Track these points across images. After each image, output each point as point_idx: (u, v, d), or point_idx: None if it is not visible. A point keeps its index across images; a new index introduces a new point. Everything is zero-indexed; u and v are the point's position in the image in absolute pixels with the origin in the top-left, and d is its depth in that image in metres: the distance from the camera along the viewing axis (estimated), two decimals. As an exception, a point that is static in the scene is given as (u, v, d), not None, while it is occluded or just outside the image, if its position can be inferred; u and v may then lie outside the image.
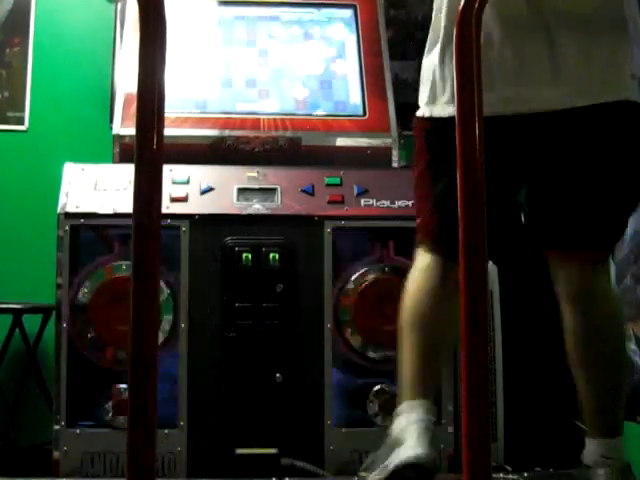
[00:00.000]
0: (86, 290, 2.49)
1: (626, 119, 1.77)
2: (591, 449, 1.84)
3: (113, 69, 3.53)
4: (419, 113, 1.94)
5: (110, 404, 2.45)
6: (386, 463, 1.74)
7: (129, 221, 1.11)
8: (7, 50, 3.65)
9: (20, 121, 3.62)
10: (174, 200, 2.54)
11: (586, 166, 1.78)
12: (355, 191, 2.63)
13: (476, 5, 1.12)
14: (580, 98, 1.74)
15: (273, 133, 2.82)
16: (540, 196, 1.89)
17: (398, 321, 1.98)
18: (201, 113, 2.87)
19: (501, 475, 2.16)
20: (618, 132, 1.77)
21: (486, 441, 1.10)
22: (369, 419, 2.54)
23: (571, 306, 1.85)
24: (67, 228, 2.50)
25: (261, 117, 2.85)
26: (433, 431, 1.79)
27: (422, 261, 1.94)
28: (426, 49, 1.94)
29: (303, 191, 2.63)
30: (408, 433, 1.76)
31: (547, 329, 2.27)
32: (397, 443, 1.76)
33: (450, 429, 2.52)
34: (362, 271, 2.57)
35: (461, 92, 1.15)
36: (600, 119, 1.75)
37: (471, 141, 1.12)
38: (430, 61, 1.91)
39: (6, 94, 3.63)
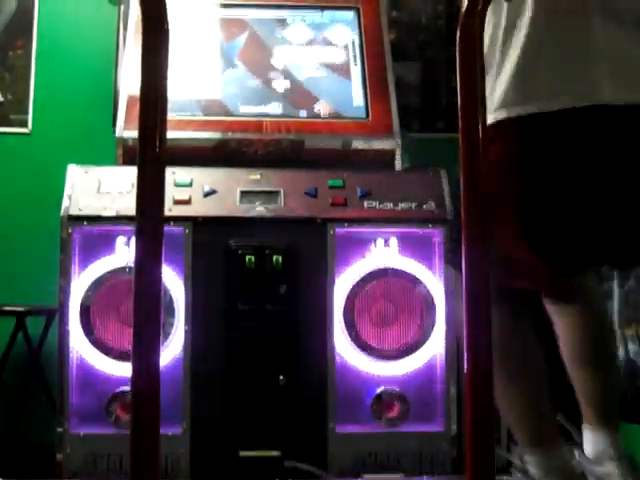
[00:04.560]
0: (89, 292, 2.50)
1: None
2: (599, 442, 1.85)
3: (116, 72, 3.53)
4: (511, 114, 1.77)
5: (113, 406, 2.45)
6: None
7: (132, 224, 1.11)
8: (10, 53, 3.65)
9: (23, 124, 3.62)
10: (177, 202, 2.54)
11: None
12: (358, 193, 2.63)
13: (479, 7, 1.13)
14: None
15: (276, 135, 2.82)
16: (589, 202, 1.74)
17: None
18: (204, 115, 2.87)
19: (504, 477, 2.15)
20: None
21: (490, 443, 1.10)
22: (372, 422, 2.54)
23: (570, 308, 1.86)
24: (70, 230, 2.51)
25: (264, 119, 2.85)
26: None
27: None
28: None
29: (306, 193, 2.63)
30: None
31: (546, 329, 2.27)
32: None
33: (453, 431, 2.53)
34: (365, 273, 2.57)
35: (464, 92, 1.15)
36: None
37: (474, 138, 1.12)
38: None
39: (9, 97, 3.64)
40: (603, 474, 1.83)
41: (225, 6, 3.14)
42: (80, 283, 2.50)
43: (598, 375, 1.89)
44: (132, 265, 1.11)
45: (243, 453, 2.48)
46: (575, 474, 1.82)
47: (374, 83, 2.95)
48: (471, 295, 1.11)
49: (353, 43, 3.07)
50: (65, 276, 2.49)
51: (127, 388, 2.41)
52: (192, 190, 2.60)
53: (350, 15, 3.13)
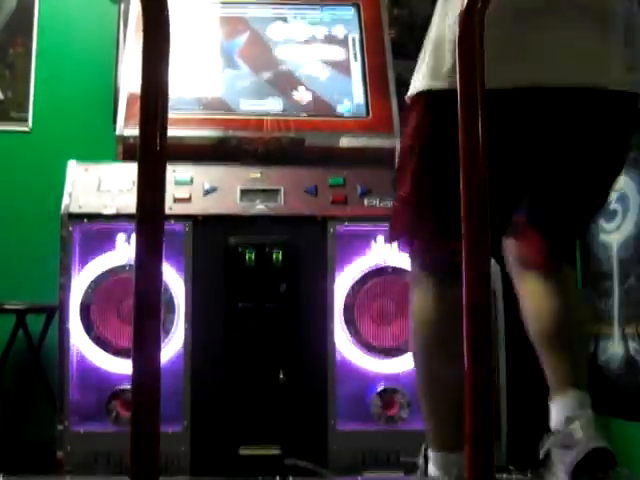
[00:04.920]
0: (89, 290, 2.50)
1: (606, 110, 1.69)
2: (562, 405, 1.75)
3: (116, 69, 3.53)
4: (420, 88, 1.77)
5: (113, 404, 2.45)
6: None
7: (132, 221, 1.11)
8: (10, 50, 3.65)
9: (24, 121, 3.62)
10: (177, 200, 2.54)
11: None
12: (358, 191, 2.63)
13: (479, 5, 1.12)
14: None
15: (276, 133, 2.82)
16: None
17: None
18: (204, 113, 2.87)
19: (504, 475, 2.15)
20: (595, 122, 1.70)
21: (489, 441, 1.10)
22: (372, 419, 2.54)
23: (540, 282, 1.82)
24: (70, 228, 2.51)
25: (264, 117, 2.85)
26: None
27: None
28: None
29: (306, 191, 2.63)
30: None
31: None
32: None
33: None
34: (365, 271, 2.58)
35: (464, 90, 1.15)
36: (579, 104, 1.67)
37: (474, 137, 1.12)
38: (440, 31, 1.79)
39: (9, 94, 3.64)
40: (566, 435, 1.71)
41: (225, 4, 3.14)
42: (80, 281, 2.51)
43: (569, 350, 1.80)
44: (132, 263, 1.10)
45: (243, 450, 2.48)
46: None
47: (374, 80, 2.95)
48: (470, 293, 1.11)
49: (353, 40, 3.07)
50: (65, 274, 2.49)
51: (127, 386, 2.42)
52: (192, 188, 2.60)
53: (350, 12, 3.13)
